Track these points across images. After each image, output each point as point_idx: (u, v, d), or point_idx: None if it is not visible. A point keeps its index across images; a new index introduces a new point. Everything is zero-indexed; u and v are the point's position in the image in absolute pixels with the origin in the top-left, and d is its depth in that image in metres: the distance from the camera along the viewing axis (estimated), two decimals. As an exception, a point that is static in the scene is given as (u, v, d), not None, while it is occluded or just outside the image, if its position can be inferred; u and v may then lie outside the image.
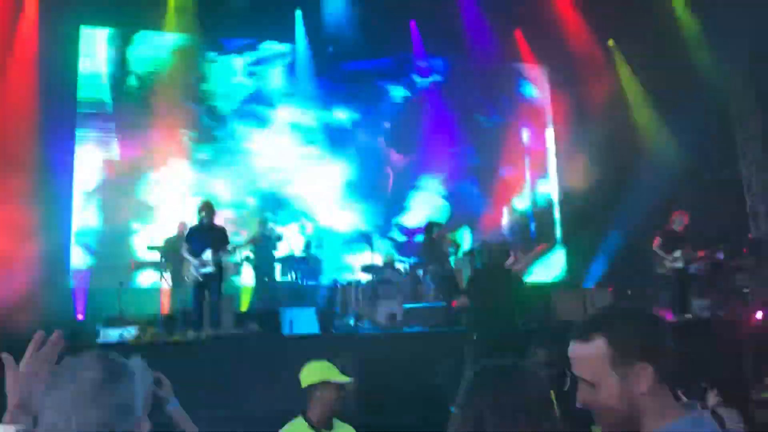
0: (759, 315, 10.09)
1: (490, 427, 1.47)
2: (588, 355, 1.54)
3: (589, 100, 13.29)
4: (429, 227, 10.48)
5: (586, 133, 13.49)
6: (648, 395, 1.51)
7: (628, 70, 14.13)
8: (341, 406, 3.69)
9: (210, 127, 12.43)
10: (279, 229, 11.28)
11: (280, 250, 11.05)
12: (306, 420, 3.67)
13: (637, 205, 13.22)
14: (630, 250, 12.36)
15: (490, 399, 1.51)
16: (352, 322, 9.65)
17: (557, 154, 14.69)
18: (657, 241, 10.13)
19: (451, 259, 10.27)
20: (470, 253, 9.88)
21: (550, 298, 10.10)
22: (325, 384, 3.63)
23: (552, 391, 1.52)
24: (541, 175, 14.64)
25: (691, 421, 1.52)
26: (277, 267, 11.03)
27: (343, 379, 3.65)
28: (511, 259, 10.08)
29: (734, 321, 9.17)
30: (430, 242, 10.15)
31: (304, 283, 10.89)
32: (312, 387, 3.65)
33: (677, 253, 9.91)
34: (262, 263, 10.80)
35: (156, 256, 10.12)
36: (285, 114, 12.90)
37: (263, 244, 10.74)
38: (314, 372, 3.68)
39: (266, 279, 10.75)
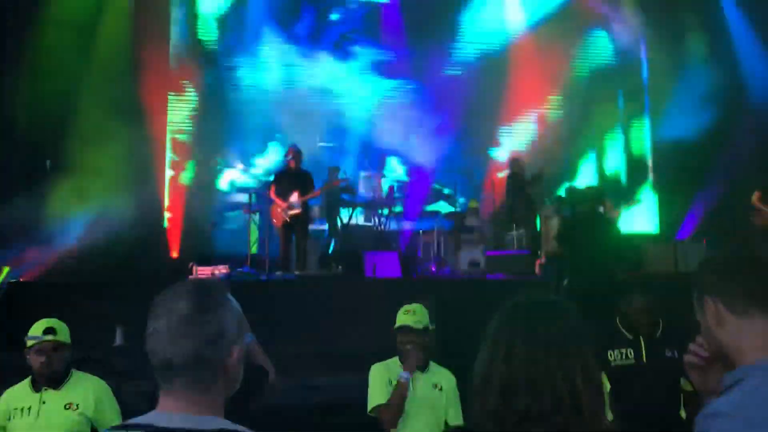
0: None
1: (519, 358, 1.43)
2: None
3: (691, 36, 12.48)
4: (512, 163, 10.28)
5: (684, 73, 12.74)
6: (718, 329, 1.60)
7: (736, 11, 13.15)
8: (422, 352, 3.69)
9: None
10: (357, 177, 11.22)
11: (357, 197, 11.04)
12: (400, 360, 3.72)
13: (736, 158, 12.51)
14: (727, 203, 11.75)
15: (522, 330, 1.46)
16: (434, 267, 9.69)
17: (652, 97, 13.96)
18: (757, 195, 9.55)
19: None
20: (558, 199, 9.62)
21: (641, 250, 9.77)
22: (401, 329, 3.66)
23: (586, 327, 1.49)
24: (635, 119, 13.99)
25: None
26: (347, 214, 10.96)
27: (418, 326, 3.65)
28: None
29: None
30: (513, 179, 9.98)
31: (388, 228, 10.93)
32: (397, 330, 3.70)
33: (783, 205, 9.33)
34: (332, 210, 10.85)
35: (245, 198, 10.38)
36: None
37: (333, 192, 10.78)
38: (399, 316, 3.72)
39: (335, 225, 10.76)
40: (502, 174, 10.76)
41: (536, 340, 1.45)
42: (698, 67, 12.32)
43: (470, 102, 12.19)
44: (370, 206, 10.91)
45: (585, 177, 12.84)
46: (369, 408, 3.66)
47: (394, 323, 3.72)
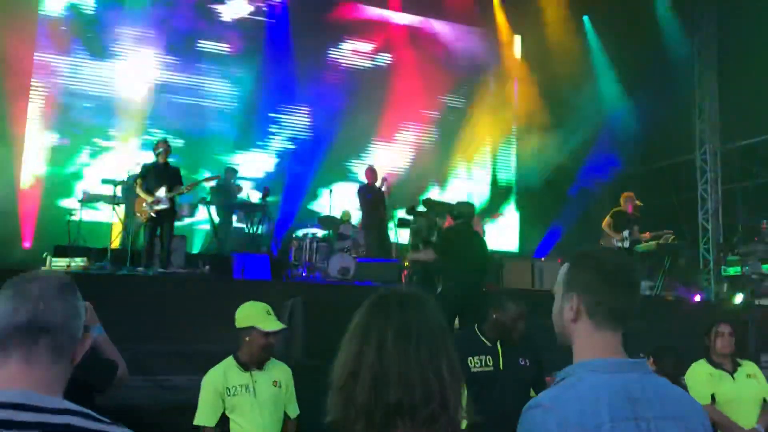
0: (697, 298, 10.42)
1: (392, 350, 1.40)
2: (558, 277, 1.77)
3: (558, 71, 13.30)
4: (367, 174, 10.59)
5: (550, 104, 13.56)
6: (576, 324, 1.66)
7: (598, 46, 14.18)
8: (270, 352, 3.65)
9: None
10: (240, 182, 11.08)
11: (237, 198, 10.90)
12: (235, 359, 3.65)
13: (593, 181, 13.46)
14: (584, 225, 12.58)
15: (395, 322, 1.44)
16: (304, 272, 9.63)
17: (517, 125, 14.75)
18: (607, 221, 10.31)
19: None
20: (413, 210, 9.97)
21: (502, 266, 10.21)
22: (252, 329, 3.58)
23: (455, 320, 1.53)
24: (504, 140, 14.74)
25: (614, 363, 1.60)
26: (234, 214, 10.88)
27: (272, 327, 3.59)
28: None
29: (674, 301, 9.44)
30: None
31: (260, 231, 10.76)
32: (242, 330, 3.60)
33: (625, 233, 10.09)
34: (220, 209, 10.65)
35: (110, 190, 9.85)
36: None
37: (223, 191, 10.56)
38: (246, 315, 3.63)
39: (219, 224, 10.62)
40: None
41: (409, 333, 1.43)
42: (566, 94, 13.14)
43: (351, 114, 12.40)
44: (244, 207, 10.67)
45: (454, 191, 13.38)
46: (195, 422, 3.54)
47: (241, 321, 3.61)
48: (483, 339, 3.93)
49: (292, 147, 12.88)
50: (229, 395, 3.54)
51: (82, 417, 1.38)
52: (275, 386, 3.64)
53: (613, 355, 1.63)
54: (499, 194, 14.58)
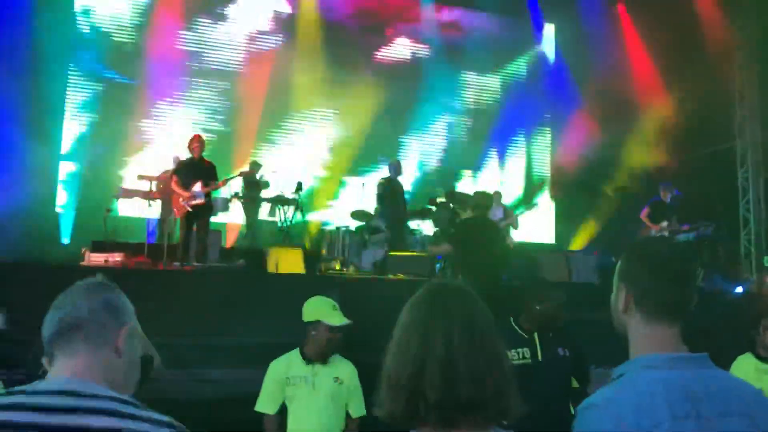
0: (739, 289, 10.18)
1: (461, 346, 1.40)
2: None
3: (593, 59, 13.10)
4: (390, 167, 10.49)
5: (585, 93, 13.38)
6: (627, 317, 1.65)
7: (635, 35, 13.91)
8: (335, 346, 3.66)
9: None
10: (273, 171, 11.12)
11: (268, 193, 10.95)
12: (301, 353, 3.67)
13: (629, 172, 13.23)
14: (621, 217, 12.40)
15: (461, 318, 1.44)
16: (337, 265, 9.66)
17: (552, 115, 14.59)
18: (645, 211, 10.14)
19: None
20: (437, 202, 9.94)
21: (535, 260, 10.12)
22: (318, 324, 3.60)
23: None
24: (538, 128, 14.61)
25: (671, 359, 1.55)
26: (264, 208, 10.94)
27: (338, 322, 3.60)
28: (495, 213, 10.18)
29: (715, 292, 9.24)
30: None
31: (292, 224, 10.81)
32: (308, 323, 3.62)
33: (663, 224, 9.92)
34: (249, 204, 10.73)
35: (146, 186, 9.99)
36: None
37: (252, 185, 10.64)
38: (313, 309, 3.64)
39: (252, 219, 10.70)
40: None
41: (473, 328, 1.44)
42: (601, 83, 12.94)
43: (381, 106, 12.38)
44: (276, 201, 10.74)
45: (487, 179, 13.33)
46: (255, 408, 3.62)
47: (308, 315, 3.62)
48: (520, 331, 3.89)
49: (324, 140, 12.95)
50: (288, 385, 3.59)
51: (123, 403, 1.48)
52: (336, 382, 3.65)
53: (670, 350, 1.58)
54: (533, 185, 14.45)
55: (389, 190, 10.28)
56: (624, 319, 1.66)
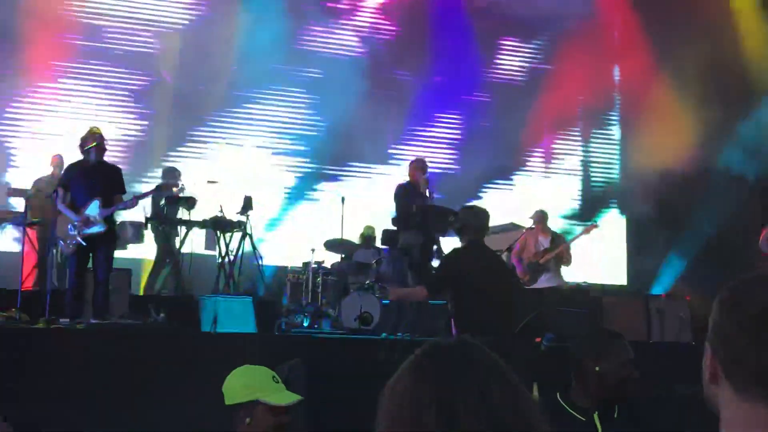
0: None
1: (498, 406, 1.48)
2: None
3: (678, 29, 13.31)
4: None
5: (669, 74, 13.56)
6: (716, 388, 1.68)
7: None
8: None
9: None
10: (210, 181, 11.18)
11: (194, 215, 11.02)
12: None
13: (730, 187, 13.33)
14: (719, 247, 12.46)
15: (496, 372, 1.53)
16: (306, 321, 9.66)
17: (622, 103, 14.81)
18: (764, 234, 10.22)
19: None
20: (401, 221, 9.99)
21: (601, 305, 10.15)
22: (257, 404, 3.60)
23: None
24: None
25: None
26: (197, 237, 10.99)
27: (286, 400, 3.62)
28: (539, 241, 10.21)
29: None
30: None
31: (239, 261, 10.83)
32: (240, 407, 3.62)
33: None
34: (173, 230, 10.76)
35: (20, 205, 10.01)
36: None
37: (178, 204, 10.68)
38: (244, 386, 3.64)
39: (179, 251, 10.76)
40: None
41: (519, 403, 1.51)
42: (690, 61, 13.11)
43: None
44: (214, 226, 10.77)
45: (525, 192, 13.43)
46: None
47: (236, 395, 3.64)
48: (571, 411, 3.89)
49: (286, 141, 13.15)
50: None
51: None
52: None
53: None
54: (594, 198, 14.55)
55: (412, 203, 10.28)
56: (711, 392, 1.68)
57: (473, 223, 6.80)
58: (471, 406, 1.49)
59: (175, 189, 10.32)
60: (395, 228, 10.47)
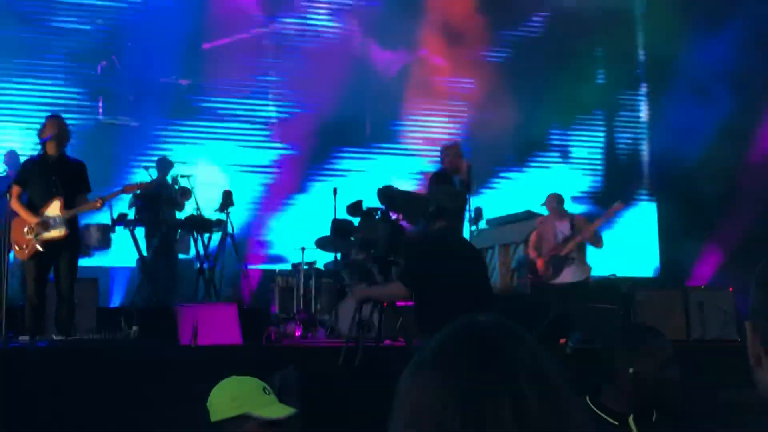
0: None
1: (534, 413, 1.40)
2: None
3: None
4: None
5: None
6: (760, 370, 1.74)
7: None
8: None
9: None
10: (183, 176, 11.22)
11: (185, 211, 11.06)
12: None
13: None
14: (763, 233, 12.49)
15: (530, 371, 1.45)
16: (298, 330, 9.67)
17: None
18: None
19: None
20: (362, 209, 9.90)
21: (634, 300, 10.15)
22: (246, 419, 3.61)
23: None
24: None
25: None
26: (177, 238, 11.02)
27: (279, 413, 3.63)
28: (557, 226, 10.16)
29: None
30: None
31: (221, 265, 10.85)
32: (227, 422, 3.63)
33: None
34: (153, 228, 10.77)
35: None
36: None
37: (156, 198, 10.70)
38: (232, 399, 3.64)
39: (153, 256, 10.77)
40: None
41: (560, 392, 1.47)
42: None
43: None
44: (191, 226, 10.78)
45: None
46: None
47: (224, 409, 3.65)
48: (603, 415, 3.89)
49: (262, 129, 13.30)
50: None
51: None
52: None
53: None
54: (619, 178, 14.61)
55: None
56: (759, 378, 1.71)
57: (449, 206, 6.76)
58: (500, 417, 1.41)
59: (142, 186, 10.25)
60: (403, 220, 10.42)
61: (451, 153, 10.47)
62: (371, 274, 8.69)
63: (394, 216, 8.77)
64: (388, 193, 9.38)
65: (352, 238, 9.80)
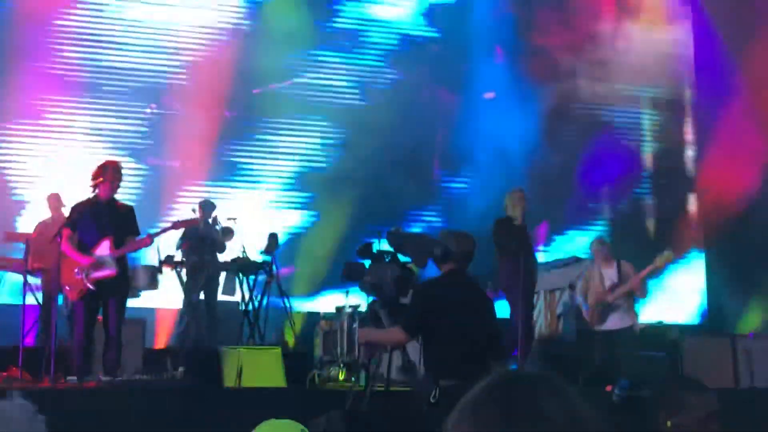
0: None
1: None
2: None
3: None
4: None
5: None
6: None
7: None
8: None
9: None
10: (230, 218, 11.26)
11: (229, 251, 11.09)
12: None
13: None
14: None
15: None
16: (341, 373, 9.62)
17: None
18: None
19: None
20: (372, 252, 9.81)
21: (681, 347, 10.04)
22: None
23: None
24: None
25: None
26: (221, 278, 11.04)
27: None
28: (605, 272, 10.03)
29: None
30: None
31: (265, 307, 10.86)
32: None
33: None
34: (195, 270, 10.81)
35: (18, 251, 10.10)
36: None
37: (197, 239, 10.74)
38: None
39: (198, 298, 10.83)
40: None
41: None
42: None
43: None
44: (236, 269, 10.81)
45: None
46: None
47: None
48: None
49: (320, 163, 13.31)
50: None
51: None
52: None
53: None
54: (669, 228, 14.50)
55: (511, 239, 10.14)
56: None
57: (454, 249, 6.70)
58: None
59: (197, 224, 10.31)
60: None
61: (516, 197, 10.44)
62: (379, 318, 8.67)
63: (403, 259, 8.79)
64: (396, 236, 9.35)
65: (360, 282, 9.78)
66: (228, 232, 11.08)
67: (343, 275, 9.99)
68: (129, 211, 8.92)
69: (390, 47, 14.15)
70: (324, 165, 13.49)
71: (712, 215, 14.30)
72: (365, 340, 8.05)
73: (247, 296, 10.95)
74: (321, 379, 9.46)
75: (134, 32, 13.05)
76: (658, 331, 11.61)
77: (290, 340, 11.23)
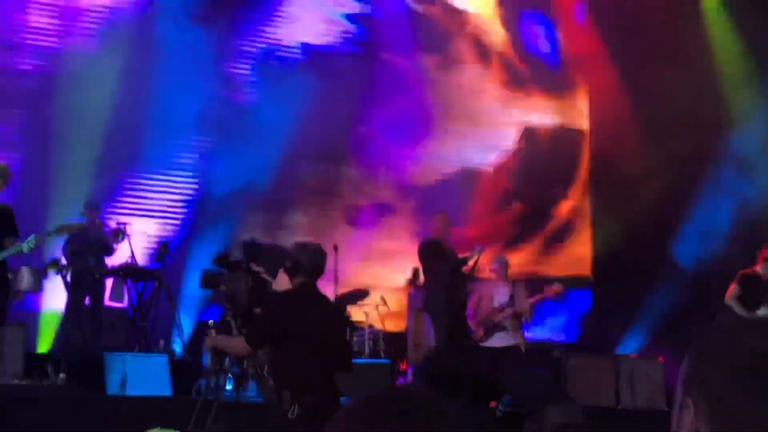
0: None
1: None
2: None
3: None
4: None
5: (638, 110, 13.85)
6: None
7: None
8: None
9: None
10: (121, 220, 11.11)
11: (116, 256, 10.96)
12: None
13: (709, 233, 13.51)
14: (697, 300, 12.59)
15: None
16: (229, 384, 9.55)
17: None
18: (732, 291, 10.32)
19: None
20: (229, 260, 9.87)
21: (560, 366, 10.21)
22: None
23: None
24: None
25: None
26: (108, 283, 10.88)
27: None
28: (498, 293, 10.15)
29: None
30: None
31: (152, 314, 10.76)
32: None
33: (762, 311, 10.11)
34: (80, 275, 10.63)
35: None
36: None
37: (84, 243, 10.56)
38: None
39: (82, 303, 10.64)
40: None
41: None
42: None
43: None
44: (125, 274, 10.70)
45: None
46: None
47: None
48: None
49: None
50: None
51: None
52: None
53: None
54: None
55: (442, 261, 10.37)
56: None
57: (306, 262, 6.71)
58: None
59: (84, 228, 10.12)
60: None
61: (441, 221, 10.78)
62: (230, 327, 8.67)
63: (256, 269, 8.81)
64: (251, 246, 9.35)
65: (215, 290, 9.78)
66: (118, 234, 10.90)
67: (200, 283, 10.04)
68: (7, 211, 8.71)
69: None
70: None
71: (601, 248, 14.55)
72: (212, 346, 8.03)
73: (135, 302, 10.80)
74: (207, 389, 9.36)
75: None
76: (544, 349, 11.78)
77: (178, 348, 11.09)
